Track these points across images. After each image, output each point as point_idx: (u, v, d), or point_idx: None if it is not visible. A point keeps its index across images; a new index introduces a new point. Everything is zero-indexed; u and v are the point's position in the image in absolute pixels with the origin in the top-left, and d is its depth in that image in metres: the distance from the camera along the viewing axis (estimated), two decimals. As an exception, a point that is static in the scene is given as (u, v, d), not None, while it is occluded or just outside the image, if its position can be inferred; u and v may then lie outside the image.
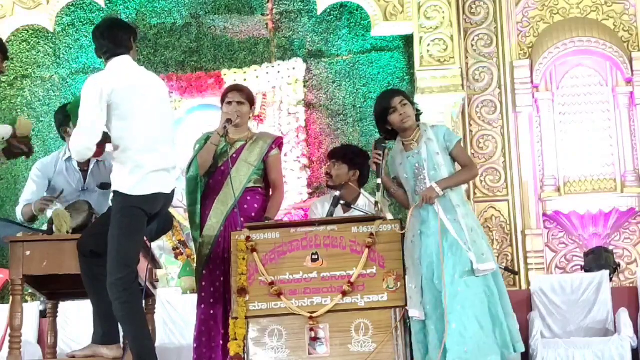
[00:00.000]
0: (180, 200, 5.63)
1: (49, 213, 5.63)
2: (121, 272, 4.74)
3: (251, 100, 5.88)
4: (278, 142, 5.90)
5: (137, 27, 5.21)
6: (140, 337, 4.79)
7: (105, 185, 5.59)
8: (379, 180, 5.23)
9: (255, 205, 5.73)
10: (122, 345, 5.08)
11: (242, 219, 5.56)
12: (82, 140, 4.76)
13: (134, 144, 4.82)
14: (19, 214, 5.75)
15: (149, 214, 4.88)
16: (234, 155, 5.77)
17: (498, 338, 4.96)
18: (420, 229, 5.12)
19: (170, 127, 5.08)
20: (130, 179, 4.81)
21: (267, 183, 5.90)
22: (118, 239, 4.77)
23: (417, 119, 5.31)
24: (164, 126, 4.96)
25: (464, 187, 5.30)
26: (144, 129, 4.84)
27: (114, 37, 4.95)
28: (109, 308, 4.81)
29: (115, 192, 4.86)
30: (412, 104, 5.31)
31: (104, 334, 4.96)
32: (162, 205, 4.98)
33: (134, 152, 4.82)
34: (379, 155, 5.24)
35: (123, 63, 4.93)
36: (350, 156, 6.06)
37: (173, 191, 5.02)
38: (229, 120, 5.68)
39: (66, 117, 5.53)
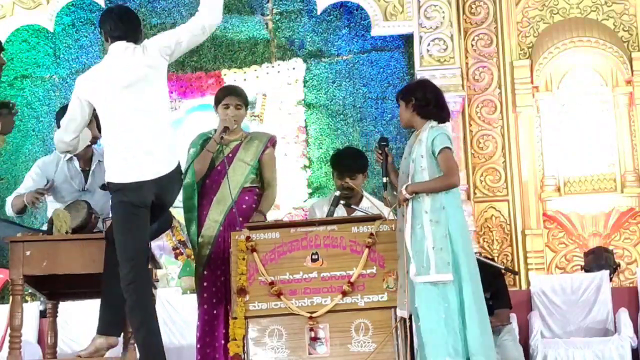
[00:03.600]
0: (180, 200, 5.58)
1: (50, 208, 5.64)
2: (125, 268, 4.73)
3: (247, 103, 5.91)
4: (272, 141, 5.91)
5: None
6: (148, 331, 4.71)
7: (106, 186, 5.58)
8: (385, 179, 5.21)
9: (253, 205, 5.72)
10: (122, 345, 5.07)
11: (240, 219, 5.57)
12: (59, 135, 5.07)
13: (109, 135, 4.86)
14: (8, 204, 5.66)
15: (139, 204, 4.79)
16: (230, 155, 5.76)
17: (450, 344, 4.83)
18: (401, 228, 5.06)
19: (149, 109, 4.88)
20: (112, 167, 4.83)
21: (262, 183, 5.90)
22: (116, 236, 4.79)
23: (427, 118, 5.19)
24: (138, 110, 4.84)
25: (454, 190, 5.11)
26: (116, 117, 4.83)
27: (130, 23, 4.96)
28: (116, 299, 4.77)
29: (108, 184, 4.89)
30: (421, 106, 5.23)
31: (104, 323, 4.92)
32: (158, 193, 4.84)
33: (112, 142, 4.85)
34: (380, 154, 5.25)
35: (111, 51, 4.94)
36: (361, 166, 6.04)
37: (164, 177, 4.84)
38: (226, 129, 5.68)
39: None
